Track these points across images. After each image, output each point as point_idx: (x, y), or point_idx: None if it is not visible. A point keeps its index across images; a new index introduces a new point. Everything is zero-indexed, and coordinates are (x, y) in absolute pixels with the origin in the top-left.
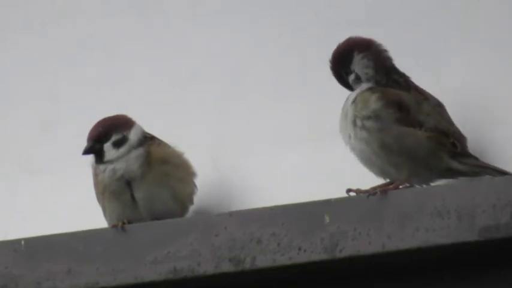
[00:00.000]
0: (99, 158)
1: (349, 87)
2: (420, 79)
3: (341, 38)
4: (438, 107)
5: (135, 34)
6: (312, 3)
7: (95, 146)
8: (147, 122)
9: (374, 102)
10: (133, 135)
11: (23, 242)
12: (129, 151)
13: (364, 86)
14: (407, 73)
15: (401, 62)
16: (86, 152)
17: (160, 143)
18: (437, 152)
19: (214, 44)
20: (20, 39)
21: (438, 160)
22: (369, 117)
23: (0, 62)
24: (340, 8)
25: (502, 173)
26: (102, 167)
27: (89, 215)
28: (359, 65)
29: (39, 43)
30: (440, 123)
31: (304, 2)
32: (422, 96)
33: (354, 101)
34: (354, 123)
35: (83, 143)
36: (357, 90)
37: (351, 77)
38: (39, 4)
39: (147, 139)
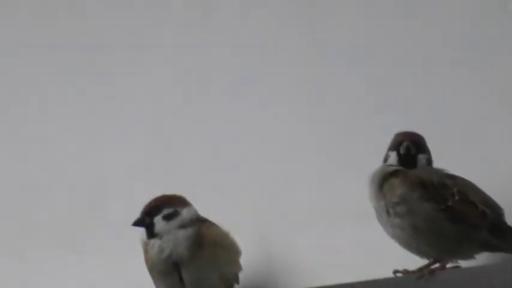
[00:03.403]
0: (150, 232)
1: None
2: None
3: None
4: (463, 180)
5: (182, 116)
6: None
7: (145, 218)
8: (194, 198)
9: (398, 187)
10: (185, 213)
11: None
12: (179, 227)
13: (390, 168)
14: (453, 152)
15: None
16: (135, 223)
17: (210, 224)
18: (465, 229)
19: (265, 122)
20: (68, 119)
21: (470, 238)
22: (398, 203)
23: (47, 140)
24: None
25: None
26: (151, 241)
27: None
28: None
29: (87, 124)
30: (465, 194)
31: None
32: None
33: (381, 188)
34: (388, 213)
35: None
36: (380, 173)
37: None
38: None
39: (199, 221)
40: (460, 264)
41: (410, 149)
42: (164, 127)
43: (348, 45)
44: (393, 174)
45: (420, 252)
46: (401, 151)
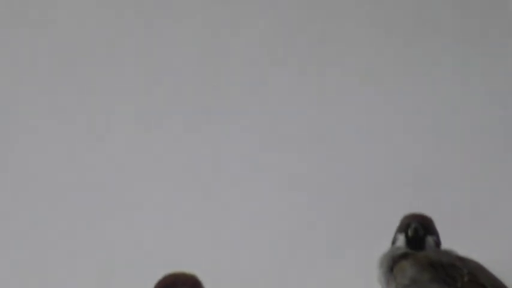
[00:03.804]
0: None
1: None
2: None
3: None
4: (472, 262)
5: (192, 188)
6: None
7: None
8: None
9: (409, 269)
10: None
11: None
12: None
13: (399, 250)
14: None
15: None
16: None
17: None
18: None
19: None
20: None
21: None
22: (408, 286)
23: (56, 209)
24: None
25: None
26: None
27: None
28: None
29: (95, 193)
30: (475, 275)
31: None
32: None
33: (391, 271)
34: None
35: None
36: (390, 255)
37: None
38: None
39: None
40: None
41: (418, 230)
42: (173, 199)
43: (353, 125)
44: (403, 256)
45: None
46: (410, 233)
